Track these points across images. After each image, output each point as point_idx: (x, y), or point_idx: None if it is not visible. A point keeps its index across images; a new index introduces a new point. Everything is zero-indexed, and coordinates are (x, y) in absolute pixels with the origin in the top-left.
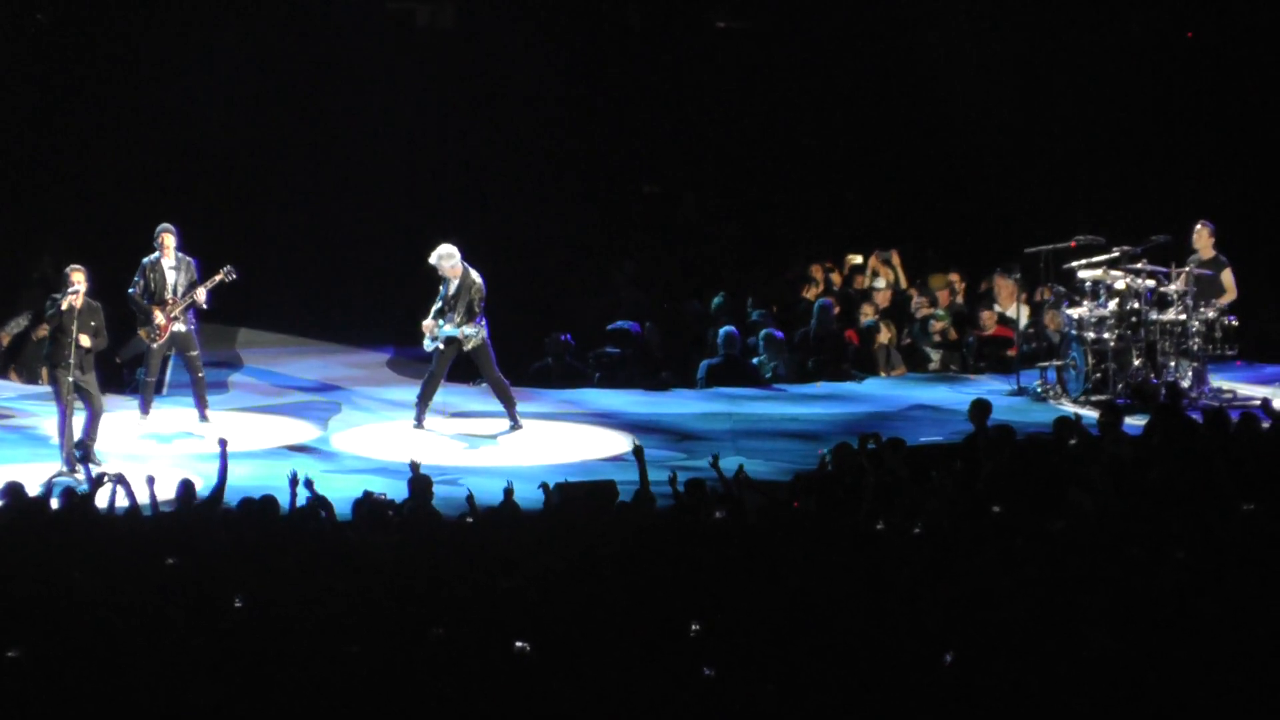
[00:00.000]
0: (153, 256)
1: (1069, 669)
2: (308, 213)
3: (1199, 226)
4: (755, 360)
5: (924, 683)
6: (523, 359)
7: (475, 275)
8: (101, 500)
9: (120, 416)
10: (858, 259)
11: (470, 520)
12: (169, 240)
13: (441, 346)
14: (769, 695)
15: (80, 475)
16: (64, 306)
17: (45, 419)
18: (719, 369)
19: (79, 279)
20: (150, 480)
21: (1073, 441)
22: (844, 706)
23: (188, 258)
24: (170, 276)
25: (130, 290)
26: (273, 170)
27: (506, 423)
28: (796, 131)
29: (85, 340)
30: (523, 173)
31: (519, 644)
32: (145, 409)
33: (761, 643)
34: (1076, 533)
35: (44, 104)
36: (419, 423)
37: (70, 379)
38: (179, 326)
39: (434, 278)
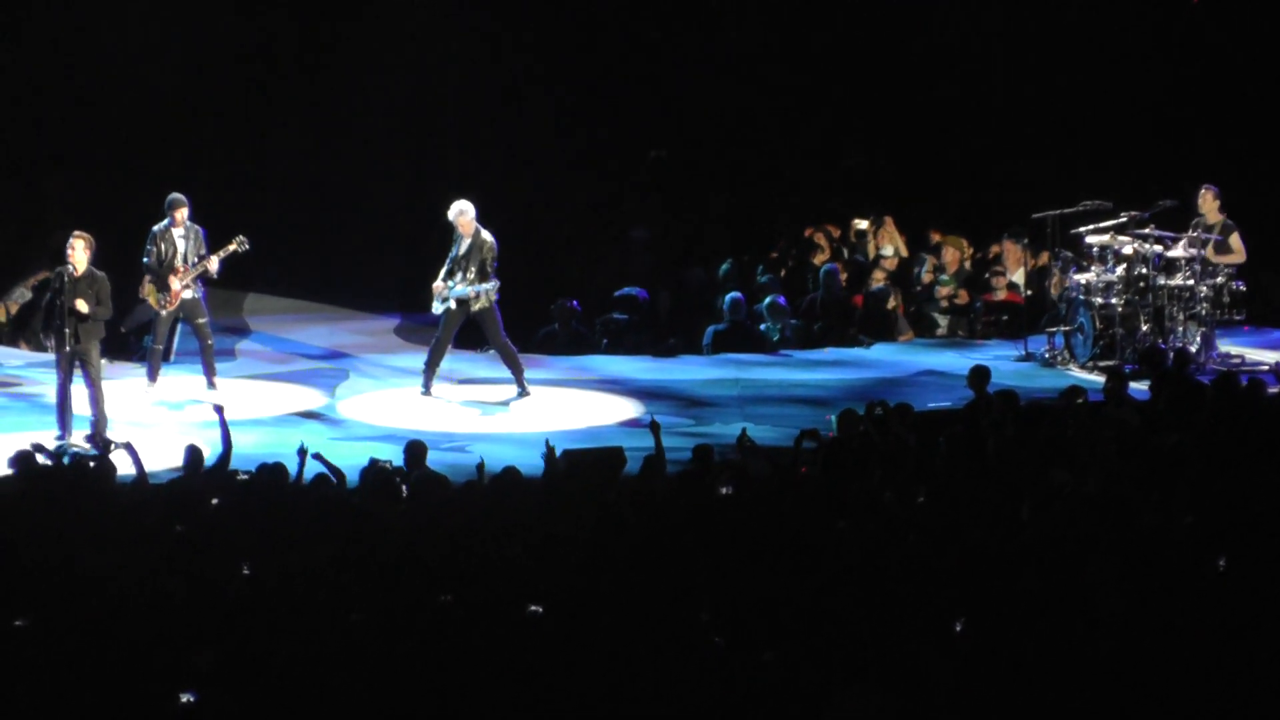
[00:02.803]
0: (163, 224)
1: (1079, 635)
2: (312, 176)
3: (1203, 191)
4: (762, 327)
5: (933, 651)
6: (529, 325)
7: (487, 235)
8: (109, 467)
9: (128, 384)
10: (863, 224)
11: (479, 486)
12: (182, 211)
13: (453, 306)
14: (777, 664)
15: (85, 444)
16: (61, 273)
17: (51, 387)
18: (725, 335)
19: (80, 245)
20: (130, 448)
21: (1079, 402)
22: (853, 675)
23: (196, 226)
24: (180, 245)
25: (145, 260)
26: (275, 133)
27: (514, 389)
28: (799, 93)
29: (82, 306)
30: (530, 135)
31: (532, 608)
32: (153, 376)
33: (769, 611)
34: (1083, 498)
35: (43, 68)
36: (426, 389)
37: (67, 348)
38: (188, 294)
39: (442, 244)
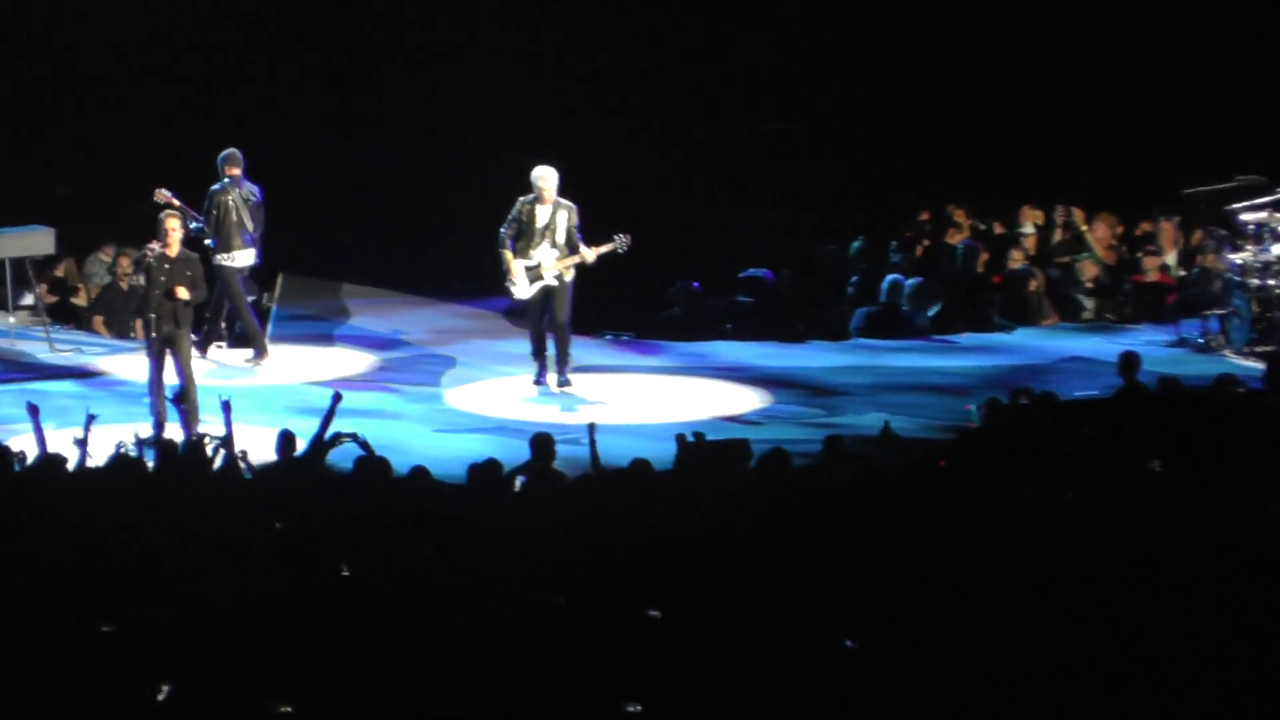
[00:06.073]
0: (222, 184)
1: (1239, 651)
2: (407, 161)
3: None
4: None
5: (1079, 666)
6: (646, 309)
7: (566, 200)
8: (203, 460)
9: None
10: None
11: (592, 479)
12: (237, 168)
13: (554, 283)
14: (911, 670)
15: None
16: (156, 253)
17: (136, 374)
18: (876, 318)
19: (175, 223)
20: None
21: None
22: (992, 691)
23: (252, 185)
24: (237, 204)
25: (199, 225)
26: (367, 117)
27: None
28: (929, 69)
29: (183, 293)
30: (644, 108)
31: (651, 612)
32: (260, 355)
33: (903, 615)
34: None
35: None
36: (565, 382)
37: (162, 332)
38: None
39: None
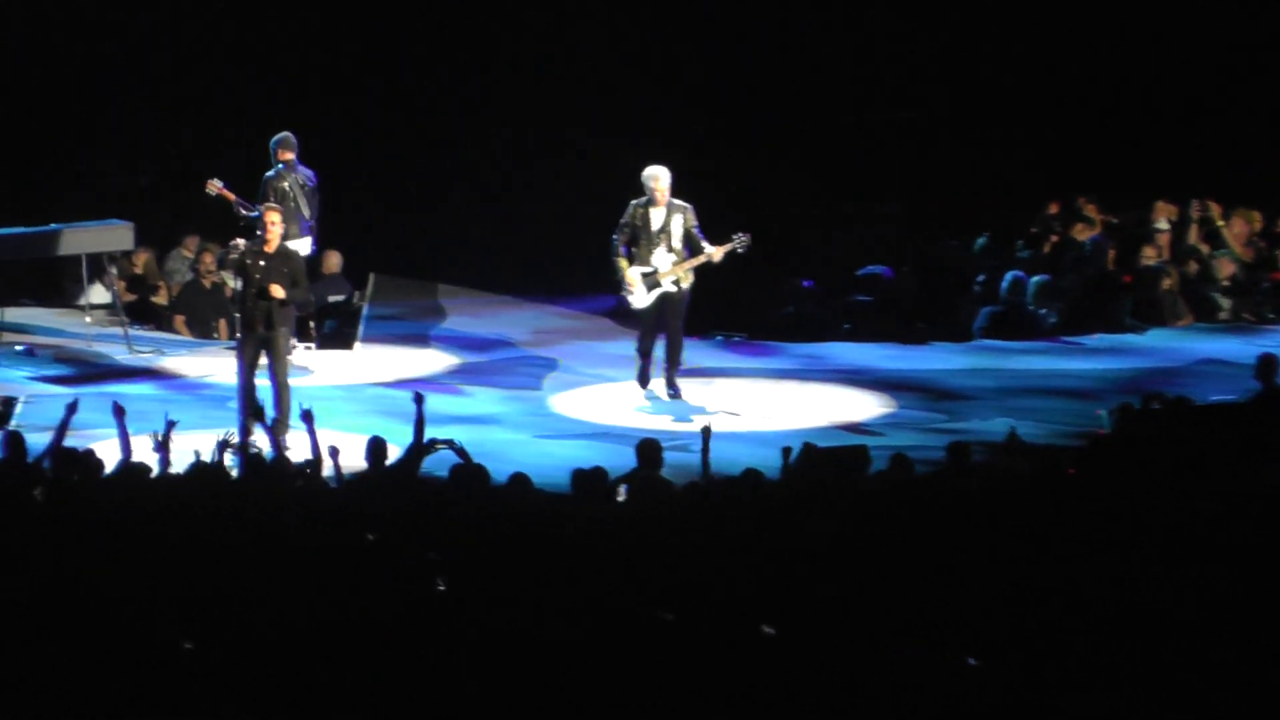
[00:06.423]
0: (275, 170)
1: None
2: (505, 157)
3: None
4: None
5: (1225, 679)
6: (758, 309)
7: (682, 202)
8: (287, 468)
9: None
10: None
11: (701, 488)
12: (291, 152)
13: (673, 289)
14: (1043, 690)
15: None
16: (243, 248)
17: (220, 377)
18: (1000, 318)
19: (276, 218)
20: (334, 452)
21: None
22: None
23: (306, 170)
24: (293, 191)
25: (256, 214)
26: (465, 112)
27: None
28: (1062, 55)
29: (278, 291)
30: (755, 98)
31: (765, 629)
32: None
33: (1033, 632)
34: None
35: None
36: (675, 390)
37: (249, 334)
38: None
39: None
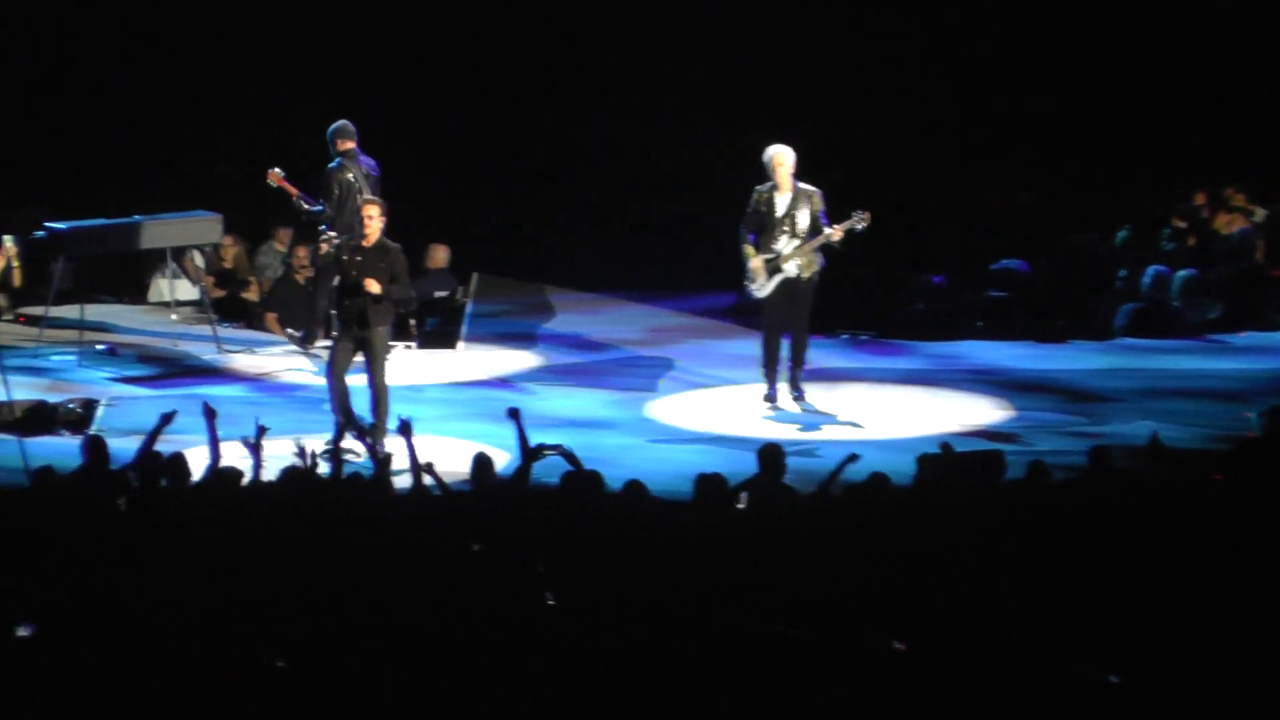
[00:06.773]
0: (337, 162)
1: None
2: (619, 153)
3: None
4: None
5: None
6: (887, 306)
7: (810, 187)
8: (386, 479)
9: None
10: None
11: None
12: (351, 142)
13: (793, 275)
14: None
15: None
16: (336, 242)
17: (313, 379)
18: (1142, 315)
19: (376, 212)
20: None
21: None
22: None
23: (368, 159)
24: (358, 182)
25: (318, 208)
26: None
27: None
28: (1211, 36)
29: (373, 286)
30: (882, 79)
31: (895, 644)
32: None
33: (1179, 648)
34: None
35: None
36: (799, 392)
37: (350, 333)
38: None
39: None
